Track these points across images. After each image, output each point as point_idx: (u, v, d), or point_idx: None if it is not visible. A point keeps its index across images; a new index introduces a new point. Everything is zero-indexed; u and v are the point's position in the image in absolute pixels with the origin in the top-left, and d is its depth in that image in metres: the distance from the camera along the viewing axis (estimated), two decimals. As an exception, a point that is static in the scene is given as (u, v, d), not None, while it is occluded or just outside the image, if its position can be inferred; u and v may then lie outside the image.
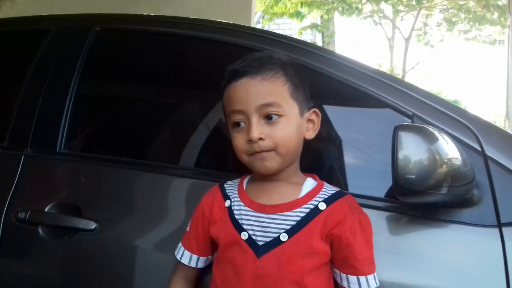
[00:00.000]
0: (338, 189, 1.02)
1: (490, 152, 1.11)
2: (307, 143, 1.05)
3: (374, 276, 0.96)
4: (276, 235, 0.94)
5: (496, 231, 1.03)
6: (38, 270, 1.28)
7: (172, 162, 1.40)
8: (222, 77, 1.04)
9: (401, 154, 0.90)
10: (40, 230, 1.25)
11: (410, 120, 1.18)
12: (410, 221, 1.09)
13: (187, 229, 1.09)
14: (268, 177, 1.01)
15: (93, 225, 1.21)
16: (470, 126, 1.15)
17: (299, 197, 0.98)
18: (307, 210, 0.95)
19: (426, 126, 0.98)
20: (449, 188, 0.97)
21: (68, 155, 1.39)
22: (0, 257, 1.27)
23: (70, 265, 1.25)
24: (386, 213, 1.11)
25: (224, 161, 1.38)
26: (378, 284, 0.96)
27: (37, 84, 1.48)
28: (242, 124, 0.97)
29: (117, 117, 1.55)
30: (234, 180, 1.09)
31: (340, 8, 7.63)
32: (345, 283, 0.96)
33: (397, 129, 0.93)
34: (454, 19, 8.90)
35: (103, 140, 1.52)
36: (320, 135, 1.08)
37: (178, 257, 1.07)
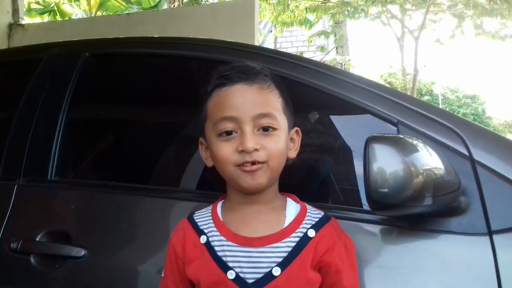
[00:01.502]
0: (322, 212, 0.96)
1: (478, 156, 1.07)
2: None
3: None
4: (267, 269, 0.86)
5: (486, 239, 0.99)
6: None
7: (161, 184, 1.39)
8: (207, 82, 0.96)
9: (373, 167, 0.87)
10: (32, 259, 1.25)
11: (395, 128, 1.15)
12: (398, 233, 1.06)
13: (162, 275, 0.98)
14: (248, 200, 0.93)
15: (82, 252, 1.21)
16: (457, 131, 1.11)
17: (286, 224, 0.92)
18: (297, 239, 0.89)
19: (401, 136, 0.95)
20: (433, 198, 0.93)
21: (59, 182, 1.40)
22: (-5, 287, 1.28)
23: (61, 293, 1.26)
24: (374, 226, 1.08)
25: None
26: None
27: (29, 114, 1.49)
28: (232, 133, 0.89)
29: (107, 142, 1.56)
30: (203, 211, 0.99)
31: (346, 12, 7.59)
32: None
33: (368, 141, 0.89)
34: (463, 15, 8.77)
35: (93, 166, 1.53)
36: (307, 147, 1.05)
37: None
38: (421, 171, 0.89)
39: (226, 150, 0.89)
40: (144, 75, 1.58)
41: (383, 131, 1.16)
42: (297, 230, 0.90)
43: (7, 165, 1.45)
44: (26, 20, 6.36)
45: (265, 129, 0.90)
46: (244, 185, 0.90)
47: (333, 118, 1.34)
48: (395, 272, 1.03)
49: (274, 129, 0.90)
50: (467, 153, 1.08)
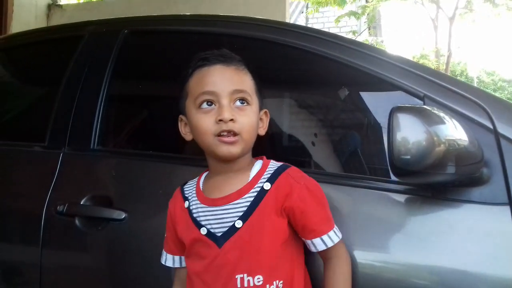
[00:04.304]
0: (281, 163, 1.07)
1: (502, 129, 1.10)
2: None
3: (334, 231, 1.03)
4: (231, 223, 1.00)
5: (507, 208, 1.03)
6: (76, 258, 1.40)
7: (197, 154, 1.47)
8: (187, 65, 1.08)
9: (397, 136, 0.92)
10: (76, 221, 1.35)
11: (422, 102, 1.18)
12: (421, 202, 1.10)
13: (166, 235, 1.15)
14: (222, 169, 1.06)
15: (122, 215, 1.30)
16: (482, 104, 1.14)
17: (247, 182, 1.03)
18: (255, 194, 1.01)
19: (425, 107, 0.99)
20: (456, 168, 0.98)
21: (101, 151, 1.49)
22: (43, 247, 1.39)
23: (104, 252, 1.36)
24: (398, 195, 1.13)
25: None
26: (341, 235, 1.03)
27: (73, 87, 1.58)
28: (211, 105, 1.01)
29: (145, 115, 1.65)
30: (193, 180, 1.14)
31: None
32: (313, 248, 1.03)
33: (393, 111, 0.94)
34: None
35: (132, 136, 1.62)
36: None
37: (163, 262, 1.15)
38: (443, 141, 0.93)
39: (206, 121, 1.01)
40: (180, 52, 1.65)
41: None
42: (256, 186, 1.02)
43: (53, 135, 1.55)
44: (63, 1, 6.53)
45: (241, 101, 1.02)
46: (220, 154, 1.01)
47: (362, 93, 1.38)
48: (418, 239, 1.08)
49: (248, 103, 1.03)
50: (491, 127, 1.11)
